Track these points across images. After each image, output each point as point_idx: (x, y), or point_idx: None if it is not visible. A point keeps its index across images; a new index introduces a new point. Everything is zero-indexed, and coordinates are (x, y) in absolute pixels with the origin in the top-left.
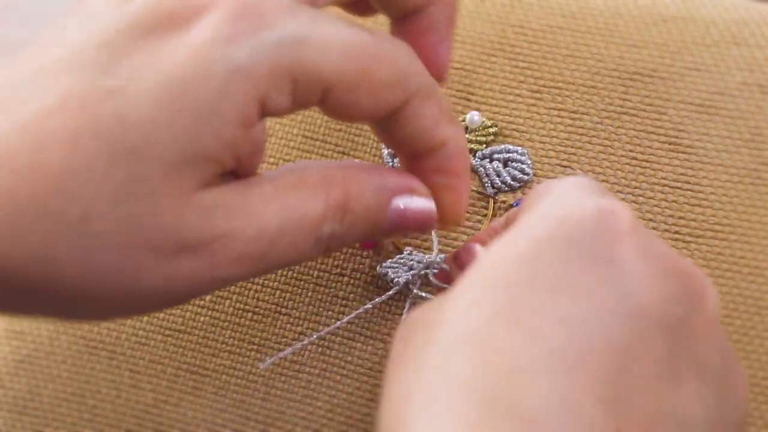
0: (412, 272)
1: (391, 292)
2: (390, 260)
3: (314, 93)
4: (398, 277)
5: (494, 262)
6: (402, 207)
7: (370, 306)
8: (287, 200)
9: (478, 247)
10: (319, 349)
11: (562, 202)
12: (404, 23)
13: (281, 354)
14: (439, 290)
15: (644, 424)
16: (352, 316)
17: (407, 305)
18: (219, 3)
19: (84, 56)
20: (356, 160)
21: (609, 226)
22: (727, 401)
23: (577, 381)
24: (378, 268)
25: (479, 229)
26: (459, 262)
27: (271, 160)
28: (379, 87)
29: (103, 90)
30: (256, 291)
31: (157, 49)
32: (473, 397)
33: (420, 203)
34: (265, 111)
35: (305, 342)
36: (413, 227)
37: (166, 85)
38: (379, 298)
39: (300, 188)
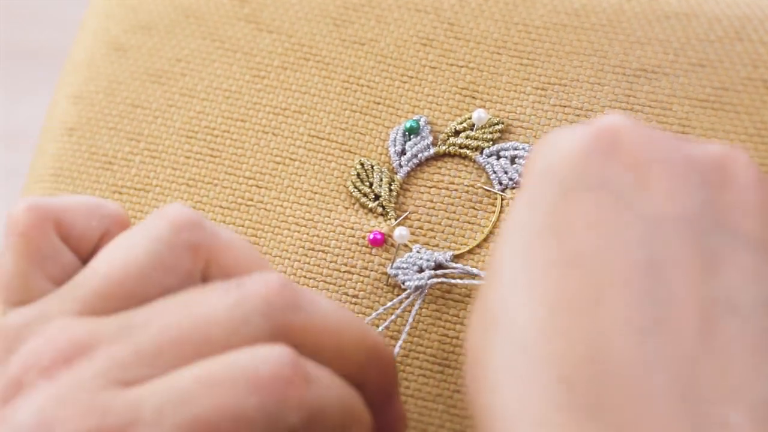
0: (422, 275)
1: (402, 296)
2: (400, 259)
3: None
4: (409, 281)
5: (505, 229)
6: None
7: (382, 310)
8: None
9: None
10: None
11: (553, 143)
12: None
13: None
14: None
15: (698, 324)
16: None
17: (417, 305)
18: None
19: None
20: None
21: (599, 147)
22: None
23: (607, 317)
24: (388, 269)
25: (487, 227)
26: None
27: (278, 159)
28: None
29: None
30: None
31: None
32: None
33: None
34: None
35: None
36: None
37: None
38: (390, 303)
39: None
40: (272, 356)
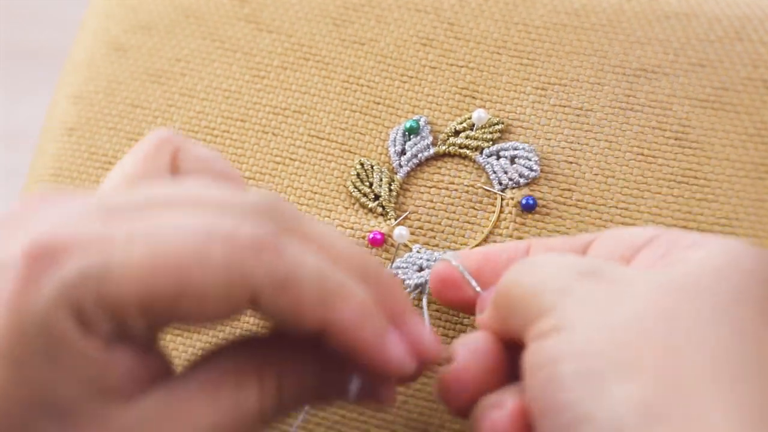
0: (422, 273)
1: None
2: (399, 259)
3: (138, 317)
4: (409, 279)
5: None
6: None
7: None
8: (216, 397)
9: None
10: None
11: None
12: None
13: None
14: None
15: None
16: None
17: (424, 300)
18: (17, 248)
19: None
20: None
21: None
22: None
23: None
24: (388, 268)
25: (487, 227)
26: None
27: (278, 159)
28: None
29: None
30: None
31: None
32: None
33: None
34: (109, 336)
35: None
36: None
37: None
38: None
39: (228, 379)
40: (255, 223)
